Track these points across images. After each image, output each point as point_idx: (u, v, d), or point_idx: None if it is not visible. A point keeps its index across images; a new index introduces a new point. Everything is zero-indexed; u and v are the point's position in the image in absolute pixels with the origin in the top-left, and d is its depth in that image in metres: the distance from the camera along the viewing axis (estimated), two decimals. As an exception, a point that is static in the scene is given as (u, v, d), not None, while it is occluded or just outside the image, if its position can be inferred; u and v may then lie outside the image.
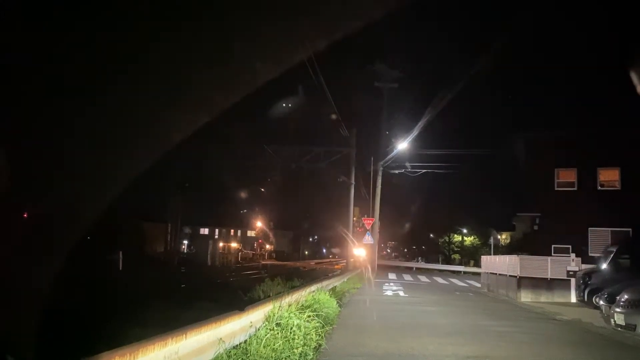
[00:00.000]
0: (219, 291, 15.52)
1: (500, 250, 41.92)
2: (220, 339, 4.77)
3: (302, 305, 8.59)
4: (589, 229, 24.19)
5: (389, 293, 18.65)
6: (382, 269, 38.21)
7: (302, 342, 6.20)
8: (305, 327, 6.70)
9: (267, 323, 6.31)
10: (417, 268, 47.61)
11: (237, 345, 5.34)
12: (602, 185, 24.95)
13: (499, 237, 46.62)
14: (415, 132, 25.72)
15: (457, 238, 68.12)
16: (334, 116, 26.47)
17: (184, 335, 4.05)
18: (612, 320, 10.55)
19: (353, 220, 35.27)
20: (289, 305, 7.56)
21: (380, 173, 31.01)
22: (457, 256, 62.77)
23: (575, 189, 25.41)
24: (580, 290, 16.00)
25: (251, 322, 5.86)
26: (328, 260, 66.30)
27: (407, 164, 30.27)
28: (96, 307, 10.11)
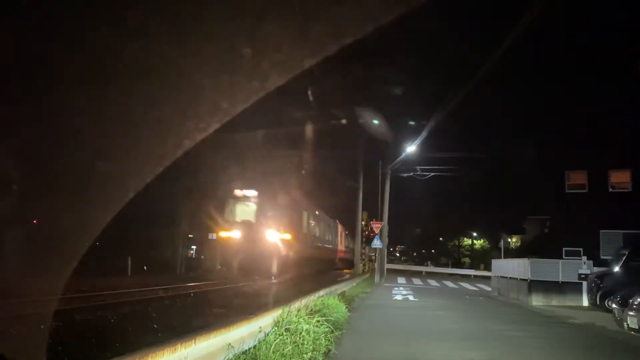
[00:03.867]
0: (228, 296, 15.51)
1: (510, 253, 41.67)
2: (229, 344, 4.76)
3: (311, 310, 8.57)
4: (601, 231, 23.97)
5: (399, 297, 18.57)
6: (391, 273, 38.09)
7: (311, 347, 6.17)
8: (314, 332, 6.67)
9: (276, 328, 6.29)
10: (426, 272, 47.43)
11: (246, 351, 5.33)
12: (613, 187, 24.75)
13: (509, 240, 46.39)
14: (423, 135, 25.63)
15: (467, 241, 67.78)
16: (342, 120, 26.48)
17: (193, 341, 4.04)
18: (625, 323, 10.43)
19: (362, 224, 35.18)
20: (298, 310, 7.54)
21: (388, 177, 30.94)
22: (467, 260, 62.45)
23: (586, 191, 25.22)
24: (592, 293, 15.84)
25: (260, 328, 5.84)
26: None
27: (417, 167, 30.19)
28: (105, 313, 10.13)
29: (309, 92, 20.74)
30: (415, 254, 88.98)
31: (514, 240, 53.90)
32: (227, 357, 4.70)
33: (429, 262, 63.05)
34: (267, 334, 5.98)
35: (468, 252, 65.96)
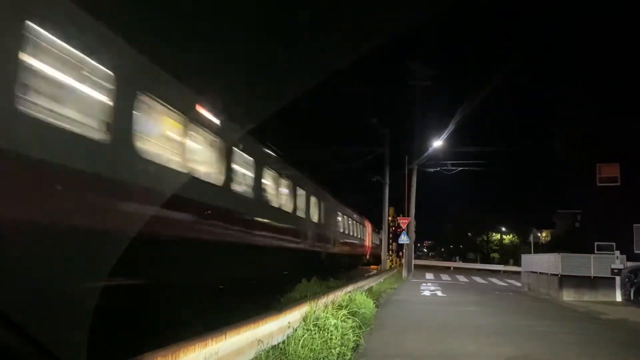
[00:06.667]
0: (256, 293, 15.62)
1: (540, 248, 40.95)
2: (259, 339, 4.81)
3: (339, 305, 8.58)
4: (634, 225, 23.42)
5: (427, 293, 18.45)
6: (419, 269, 37.88)
7: (339, 342, 6.19)
8: (342, 328, 6.69)
9: (304, 323, 6.33)
10: (454, 267, 47.05)
11: (275, 346, 5.38)
12: (646, 180, 24.14)
13: (539, 235, 45.58)
14: (450, 129, 25.34)
15: (496, 237, 66.94)
16: (368, 117, 26.43)
17: (224, 336, 4.10)
18: (660, 319, 10.19)
19: (388, 219, 35.04)
20: (326, 306, 7.57)
21: (415, 172, 30.72)
22: (496, 255, 61.70)
23: (618, 184, 24.67)
24: (626, 288, 15.52)
25: (289, 323, 5.89)
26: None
27: (445, 162, 29.91)
28: (135, 309, 10.32)
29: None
30: (442, 249, 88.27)
31: (544, 235, 52.94)
32: (256, 352, 4.76)
33: (456, 258, 62.51)
34: (296, 330, 6.02)
35: (497, 247, 65.06)
